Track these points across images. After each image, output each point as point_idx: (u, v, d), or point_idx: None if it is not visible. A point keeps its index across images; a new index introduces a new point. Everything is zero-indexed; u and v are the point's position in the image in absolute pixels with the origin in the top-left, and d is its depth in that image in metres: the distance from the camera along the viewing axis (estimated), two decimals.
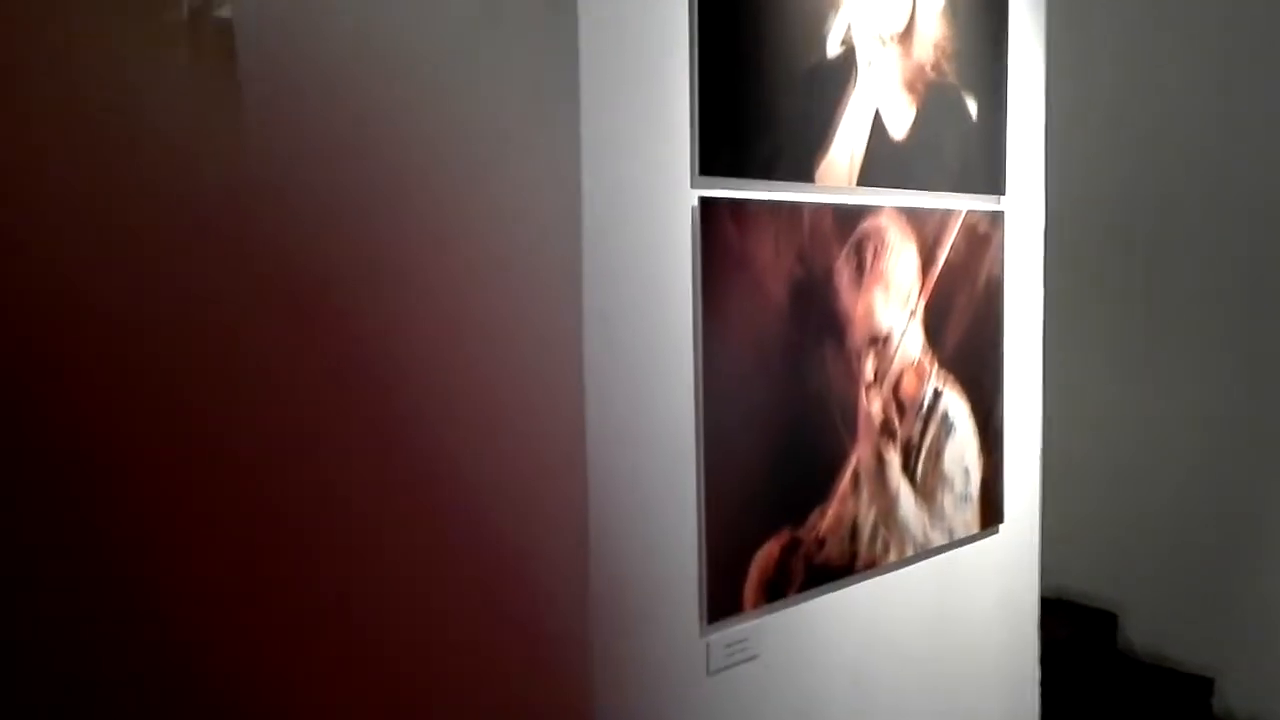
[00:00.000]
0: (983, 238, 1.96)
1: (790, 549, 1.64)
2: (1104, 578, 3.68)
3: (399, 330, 1.42)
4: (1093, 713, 3.42)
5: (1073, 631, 3.60)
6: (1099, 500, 3.66)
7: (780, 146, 1.59)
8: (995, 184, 1.99)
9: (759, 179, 1.57)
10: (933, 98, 1.83)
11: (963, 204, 1.91)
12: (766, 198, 1.57)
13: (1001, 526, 2.07)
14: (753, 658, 1.61)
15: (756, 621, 1.61)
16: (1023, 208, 2.08)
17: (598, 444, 1.38)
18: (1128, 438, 3.59)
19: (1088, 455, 3.65)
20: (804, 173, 1.63)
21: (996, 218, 1.99)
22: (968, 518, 1.97)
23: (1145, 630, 3.61)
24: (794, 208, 1.61)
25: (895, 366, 1.79)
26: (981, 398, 1.98)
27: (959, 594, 1.98)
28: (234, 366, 1.39)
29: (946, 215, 1.87)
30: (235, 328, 1.36)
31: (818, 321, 1.66)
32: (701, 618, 1.53)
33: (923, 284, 1.83)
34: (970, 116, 1.92)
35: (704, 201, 1.49)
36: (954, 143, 1.89)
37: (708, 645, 1.54)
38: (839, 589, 1.74)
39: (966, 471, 1.96)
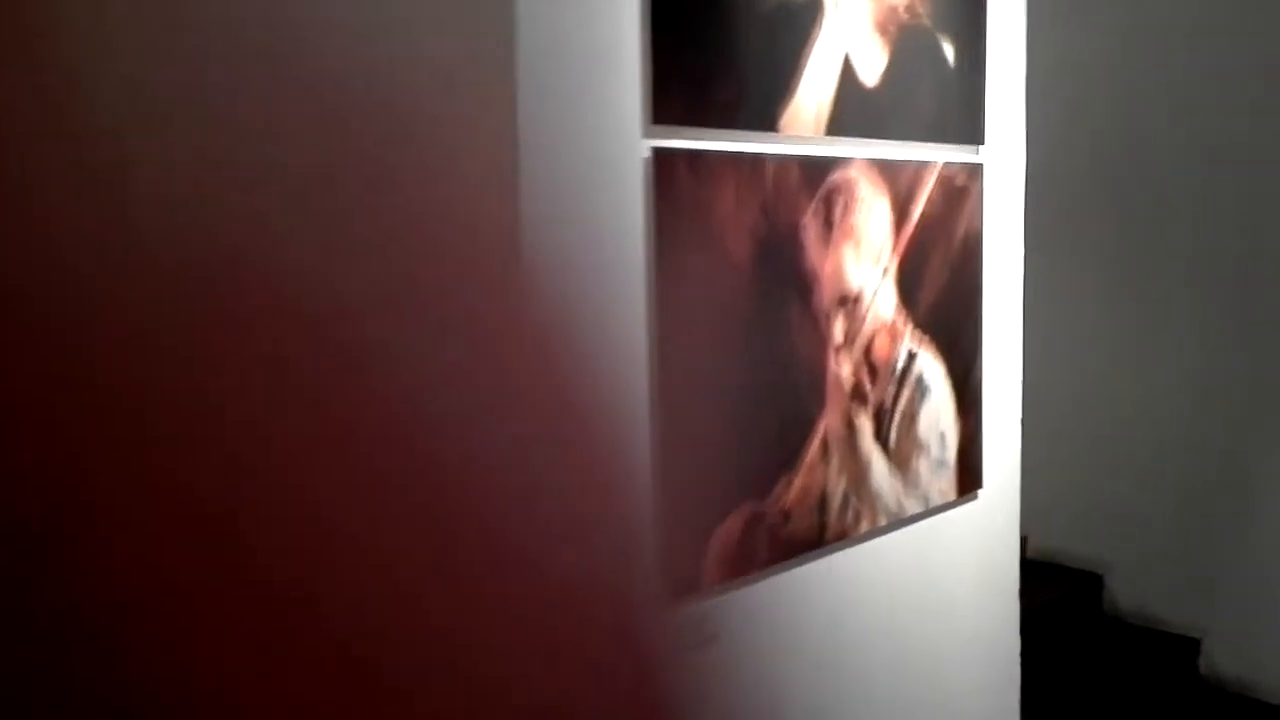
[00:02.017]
0: (960, 191, 1.85)
1: (754, 523, 1.55)
2: (1089, 539, 3.62)
3: (326, 297, 1.32)
4: (1079, 674, 3.37)
5: (1058, 593, 3.55)
6: (1084, 461, 3.59)
7: (741, 92, 1.49)
8: (973, 134, 1.89)
9: (718, 128, 1.46)
10: (906, 41, 1.72)
11: (939, 155, 1.81)
12: (726, 148, 1.47)
13: (980, 492, 1.98)
14: (713, 637, 1.52)
15: (718, 600, 1.52)
16: (1003, 159, 1.97)
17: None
18: (1113, 397, 3.51)
19: (1072, 415, 3.57)
20: (767, 121, 1.52)
21: (975, 170, 1.88)
22: (944, 484, 1.88)
23: (1131, 591, 3.55)
24: (756, 159, 1.50)
25: (866, 328, 1.69)
26: (959, 359, 1.89)
27: (936, 563, 1.90)
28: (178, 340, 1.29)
29: (921, 167, 1.77)
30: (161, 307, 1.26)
31: (782, 281, 1.56)
32: (659, 597, 1.44)
33: (896, 240, 1.73)
34: (947, 62, 1.81)
35: (657, 152, 1.39)
36: (929, 90, 1.78)
37: (672, 625, 1.46)
38: (806, 563, 1.65)
39: (943, 436, 1.87)
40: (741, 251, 1.50)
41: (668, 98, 1.39)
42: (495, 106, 1.25)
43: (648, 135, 1.39)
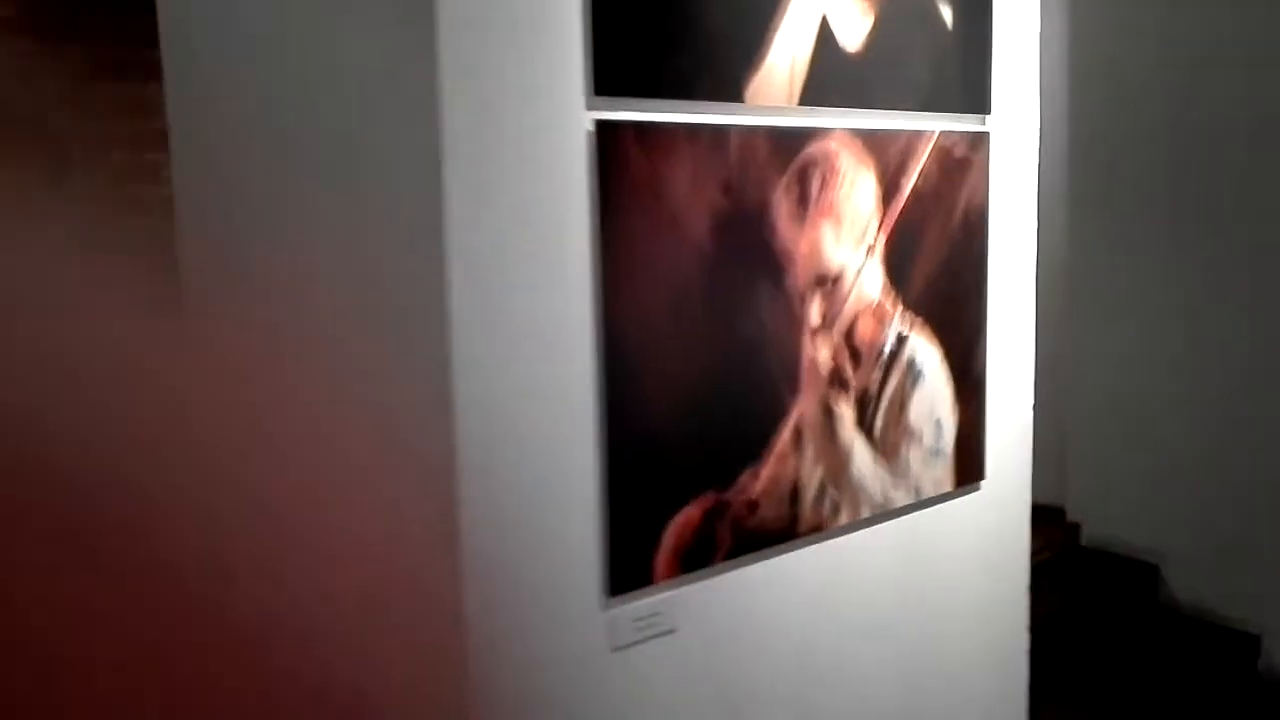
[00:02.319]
0: (961, 162, 1.74)
1: (715, 513, 1.48)
2: (1145, 527, 3.45)
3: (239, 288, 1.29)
4: (1131, 668, 3.23)
5: (1111, 583, 3.40)
6: (1140, 444, 3.42)
7: (701, 60, 1.40)
8: (977, 101, 1.77)
9: (673, 98, 1.38)
10: (895, 2, 1.61)
11: (935, 124, 1.70)
12: (682, 120, 1.39)
13: (983, 484, 1.87)
14: (669, 632, 1.46)
15: (673, 593, 1.46)
16: (1012, 128, 1.84)
17: (468, 397, 1.23)
18: (1171, 377, 3.33)
19: (1127, 395, 3.41)
20: (731, 90, 1.43)
21: (979, 139, 1.76)
22: (939, 475, 1.78)
23: (1188, 583, 3.38)
24: (718, 131, 1.42)
25: (848, 309, 1.60)
26: (958, 343, 1.78)
27: (931, 558, 1.80)
28: None
29: (914, 138, 1.66)
30: None
31: (749, 260, 1.47)
32: (604, 589, 1.38)
33: (883, 216, 1.63)
34: (944, 25, 1.69)
35: (601, 125, 1.31)
36: (924, 55, 1.67)
37: (611, 619, 1.40)
38: (778, 555, 1.57)
39: (938, 424, 1.77)
40: (701, 230, 1.42)
41: (613, 66, 1.32)
42: (413, 78, 1.19)
43: (591, 107, 1.31)
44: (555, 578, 1.35)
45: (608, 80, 1.31)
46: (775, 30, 1.47)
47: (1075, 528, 3.62)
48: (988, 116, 1.78)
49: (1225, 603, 3.28)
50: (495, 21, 1.22)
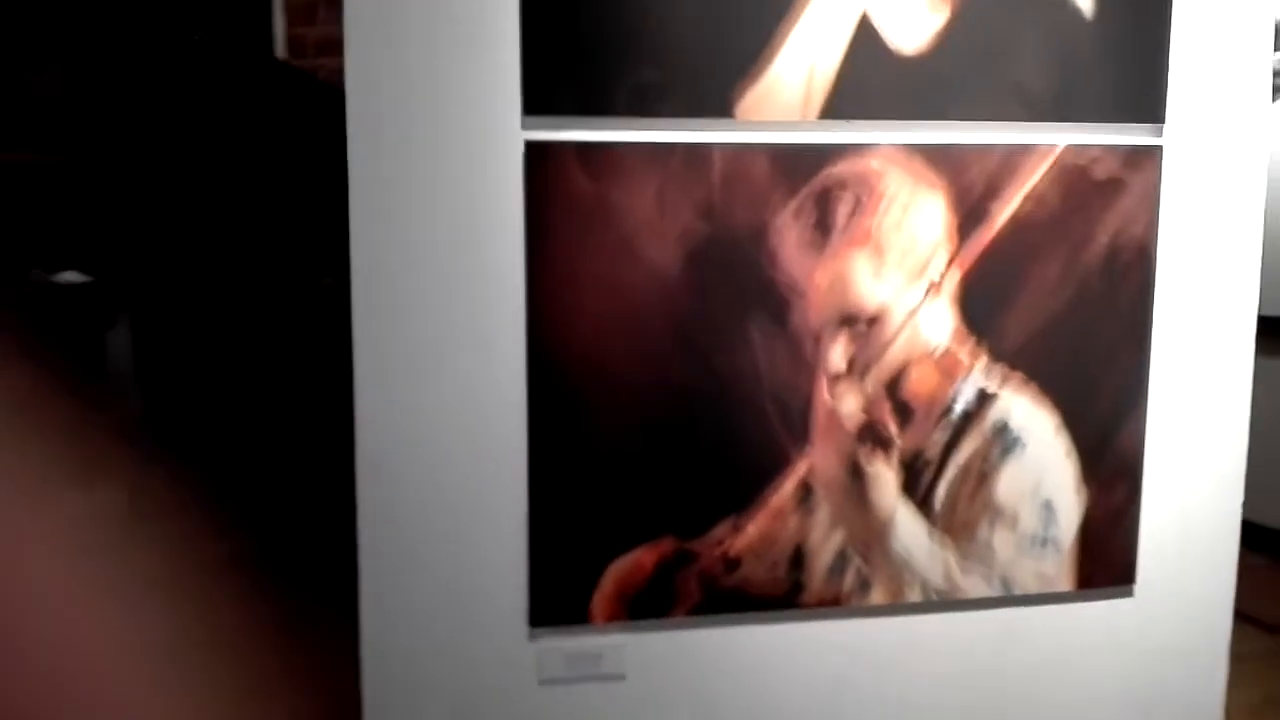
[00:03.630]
0: (1106, 185, 1.37)
1: (675, 563, 1.36)
2: None
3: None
4: None
5: None
6: None
7: (671, 73, 1.28)
8: (1141, 108, 1.37)
9: (632, 115, 1.29)
10: None
11: (1052, 137, 1.35)
12: (638, 139, 1.29)
13: (1135, 590, 1.47)
14: (616, 677, 1.38)
15: (624, 638, 1.38)
16: (1212, 139, 1.39)
17: (371, 404, 1.29)
18: None
19: None
20: (713, 105, 1.29)
21: (1141, 156, 1.37)
22: (1045, 569, 1.43)
23: None
24: (693, 150, 1.29)
25: (894, 355, 1.36)
26: (1088, 410, 1.41)
27: (1028, 671, 1.46)
28: None
29: (1016, 154, 1.34)
30: None
31: (739, 293, 1.32)
32: (528, 619, 1.36)
33: (957, 248, 1.35)
34: (1078, 12, 1.33)
35: (531, 146, 1.27)
36: (1037, 50, 1.34)
37: (539, 651, 1.37)
38: (778, 623, 1.40)
39: (1047, 507, 1.42)
40: (667, 257, 1.31)
41: (551, 82, 1.27)
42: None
43: (526, 127, 1.28)
44: (476, 600, 1.35)
45: (540, 98, 1.27)
46: (783, 37, 1.29)
47: None
48: (1163, 126, 1.38)
49: None
50: (403, 28, 1.24)
